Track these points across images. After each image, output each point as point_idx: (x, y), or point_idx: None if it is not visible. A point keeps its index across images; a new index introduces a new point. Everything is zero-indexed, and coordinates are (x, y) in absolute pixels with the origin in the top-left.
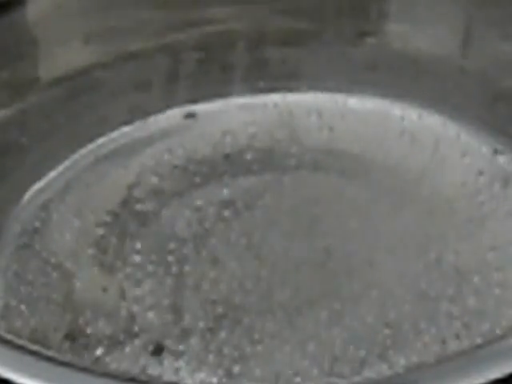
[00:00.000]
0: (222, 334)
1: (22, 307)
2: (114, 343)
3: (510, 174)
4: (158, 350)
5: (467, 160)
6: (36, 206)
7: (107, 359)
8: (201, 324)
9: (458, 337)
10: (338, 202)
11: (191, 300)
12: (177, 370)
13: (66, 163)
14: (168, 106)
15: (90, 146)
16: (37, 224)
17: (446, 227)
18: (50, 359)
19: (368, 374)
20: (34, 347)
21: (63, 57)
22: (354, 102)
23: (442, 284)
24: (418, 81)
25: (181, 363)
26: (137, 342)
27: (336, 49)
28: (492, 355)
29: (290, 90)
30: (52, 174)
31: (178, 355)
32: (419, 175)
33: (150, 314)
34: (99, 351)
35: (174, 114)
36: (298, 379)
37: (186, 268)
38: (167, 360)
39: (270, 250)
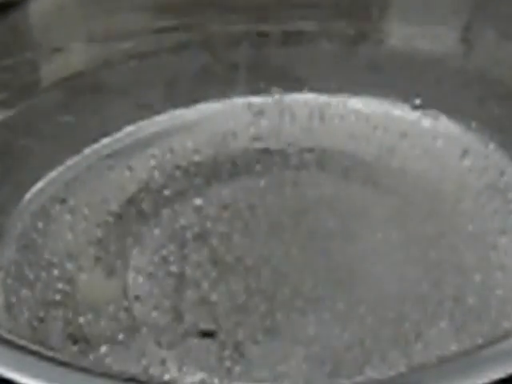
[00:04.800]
0: (223, 335)
1: (24, 307)
2: (115, 343)
3: (511, 175)
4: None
5: (468, 160)
6: (37, 206)
7: (108, 360)
8: (202, 324)
9: (459, 337)
10: (339, 202)
11: (192, 300)
12: (178, 371)
13: (68, 163)
14: (170, 107)
15: (92, 147)
16: (38, 224)
17: (447, 227)
18: (51, 359)
19: (370, 374)
20: (35, 347)
21: (65, 57)
22: (355, 103)
23: (443, 284)
24: (418, 81)
25: (182, 363)
26: (138, 342)
27: (337, 49)
28: (494, 355)
29: (292, 90)
30: (53, 174)
31: (179, 356)
32: (419, 175)
33: (151, 315)
34: (100, 351)
35: (176, 114)
36: (299, 380)
37: (187, 268)
38: (169, 360)
39: (272, 250)
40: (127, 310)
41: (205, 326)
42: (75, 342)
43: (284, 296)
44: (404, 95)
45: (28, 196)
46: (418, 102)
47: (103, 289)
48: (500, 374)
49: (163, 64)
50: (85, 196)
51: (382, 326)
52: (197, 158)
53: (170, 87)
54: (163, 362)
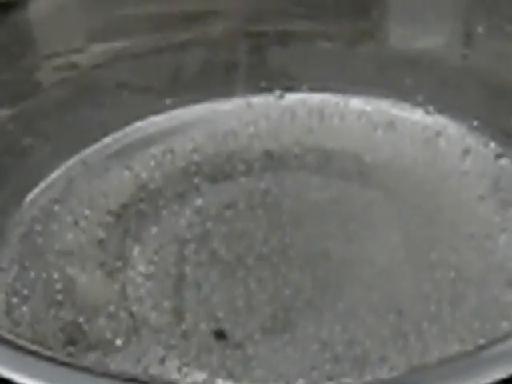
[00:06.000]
0: (224, 335)
1: (24, 308)
2: (115, 343)
3: (511, 174)
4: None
5: (468, 161)
6: (38, 207)
7: (108, 360)
8: (202, 325)
9: (460, 338)
10: (339, 202)
11: (192, 301)
12: (178, 371)
13: (68, 164)
14: (170, 106)
15: (92, 147)
16: (39, 225)
17: (447, 228)
18: (50, 359)
19: (370, 375)
20: (35, 347)
21: (65, 57)
22: (356, 103)
23: (443, 285)
24: (418, 81)
25: (182, 364)
26: (138, 342)
27: (337, 49)
28: (495, 356)
29: (292, 90)
30: (54, 174)
31: (179, 356)
32: (420, 175)
33: (151, 315)
34: (101, 352)
35: (176, 114)
36: (299, 381)
37: (187, 269)
38: (168, 360)
39: (272, 251)
40: (127, 310)
41: (205, 326)
42: (75, 342)
43: (284, 296)
44: (405, 95)
45: (29, 196)
46: (419, 101)
47: (103, 289)
48: (501, 374)
49: (163, 64)
50: (85, 196)
51: (381, 326)
52: (197, 158)
53: (170, 87)
54: (163, 362)
